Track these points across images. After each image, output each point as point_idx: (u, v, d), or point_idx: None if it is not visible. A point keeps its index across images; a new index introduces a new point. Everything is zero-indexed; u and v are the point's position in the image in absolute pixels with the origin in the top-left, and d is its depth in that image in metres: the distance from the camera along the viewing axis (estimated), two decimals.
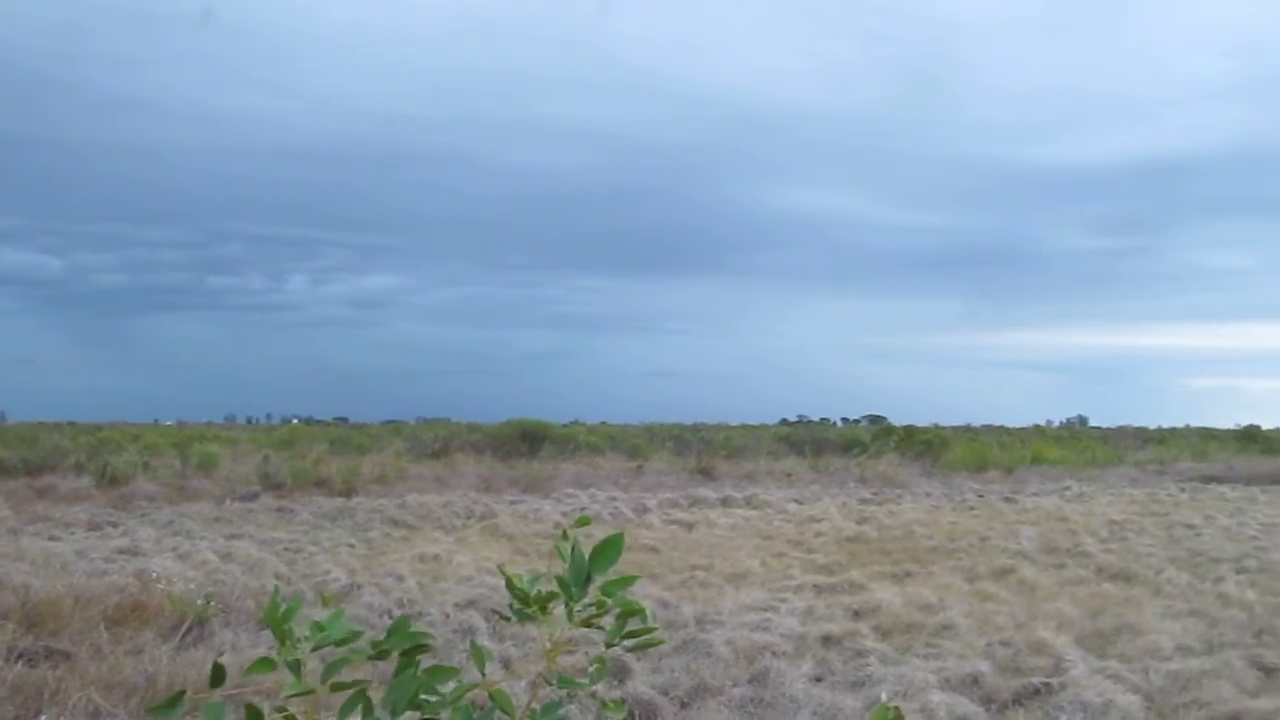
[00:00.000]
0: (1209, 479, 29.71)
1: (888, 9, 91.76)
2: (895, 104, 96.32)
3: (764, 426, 56.19)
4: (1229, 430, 51.18)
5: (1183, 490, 26.00)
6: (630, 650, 1.64)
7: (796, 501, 21.79)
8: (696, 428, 47.10)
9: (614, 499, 21.21)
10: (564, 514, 18.61)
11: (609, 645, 1.58)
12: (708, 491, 23.06)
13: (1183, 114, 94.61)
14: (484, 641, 8.65)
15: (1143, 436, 48.44)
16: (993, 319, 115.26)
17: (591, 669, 1.63)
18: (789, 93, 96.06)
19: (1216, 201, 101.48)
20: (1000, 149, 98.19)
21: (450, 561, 13.13)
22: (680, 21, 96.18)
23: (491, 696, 1.55)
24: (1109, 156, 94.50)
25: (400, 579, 11.66)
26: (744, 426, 54.95)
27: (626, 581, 1.59)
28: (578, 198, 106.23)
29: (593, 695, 1.48)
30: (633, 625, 1.60)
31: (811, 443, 36.31)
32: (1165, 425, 60.42)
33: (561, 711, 1.54)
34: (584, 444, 33.35)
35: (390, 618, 9.97)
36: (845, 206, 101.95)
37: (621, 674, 7.80)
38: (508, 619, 1.63)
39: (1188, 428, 58.13)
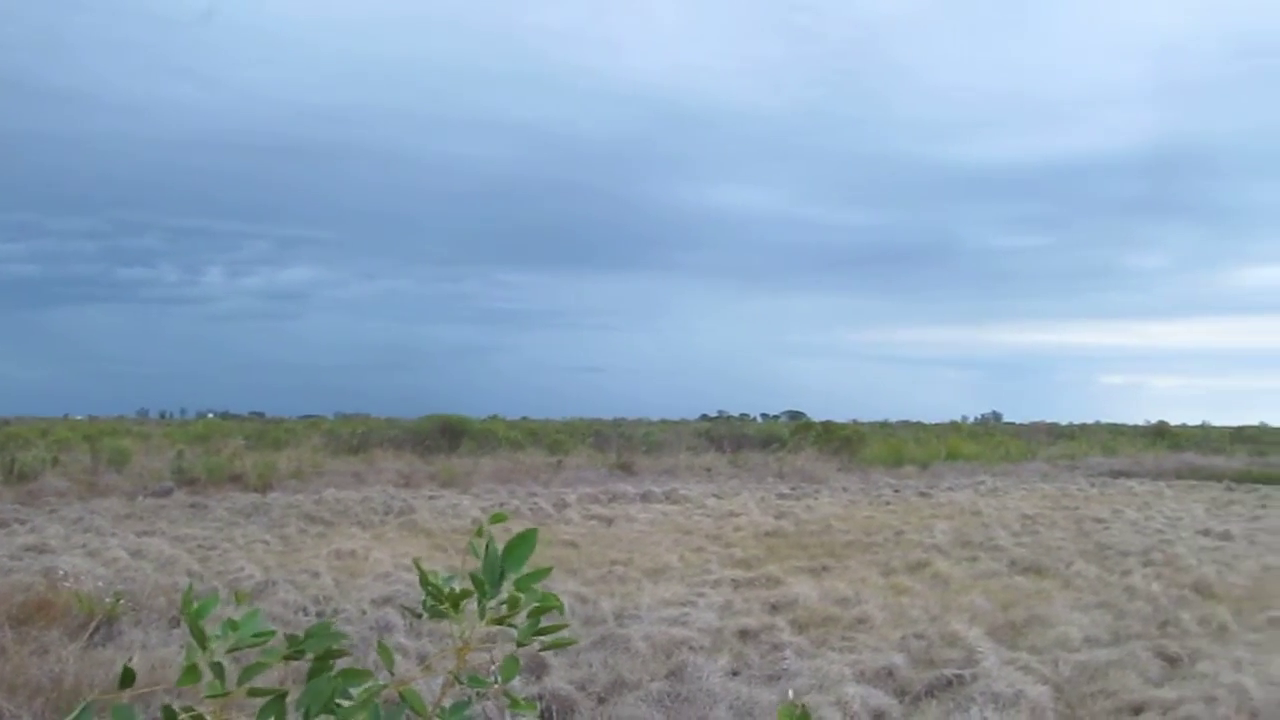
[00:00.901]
0: (1118, 474, 30.42)
1: (813, 6, 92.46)
2: (819, 102, 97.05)
3: (684, 422, 56.36)
4: (1138, 426, 52.48)
5: (1093, 485, 26.59)
6: (543, 649, 1.63)
7: (715, 496, 21.92)
8: (617, 423, 47.17)
9: (533, 494, 21.18)
10: (483, 509, 18.52)
11: (520, 644, 1.57)
12: (627, 486, 23.10)
13: (1098, 115, 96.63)
14: (400, 639, 8.58)
15: (1055, 432, 49.41)
16: (912, 316, 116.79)
17: (499, 666, 1.61)
18: (714, 90, 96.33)
19: (1129, 202, 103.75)
20: (922, 147, 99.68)
21: (367, 558, 13.01)
22: (605, 16, 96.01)
23: (401, 696, 1.53)
24: (1028, 156, 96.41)
25: (316, 575, 11.53)
26: (665, 422, 55.06)
27: (538, 575, 1.58)
28: (501, 192, 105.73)
29: (504, 693, 1.46)
30: (550, 621, 1.59)
31: (731, 438, 36.52)
32: (1077, 421, 61.68)
33: (469, 710, 1.52)
34: (504, 439, 33.22)
35: (305, 615, 9.88)
36: (769, 204, 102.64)
37: (539, 670, 7.78)
38: (419, 616, 1.62)
39: (1098, 424, 59.46)
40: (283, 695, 1.53)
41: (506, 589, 1.54)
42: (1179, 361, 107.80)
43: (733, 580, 11.73)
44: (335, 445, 32.36)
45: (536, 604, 1.54)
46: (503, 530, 1.62)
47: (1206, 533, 16.51)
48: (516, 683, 7.40)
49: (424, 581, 1.55)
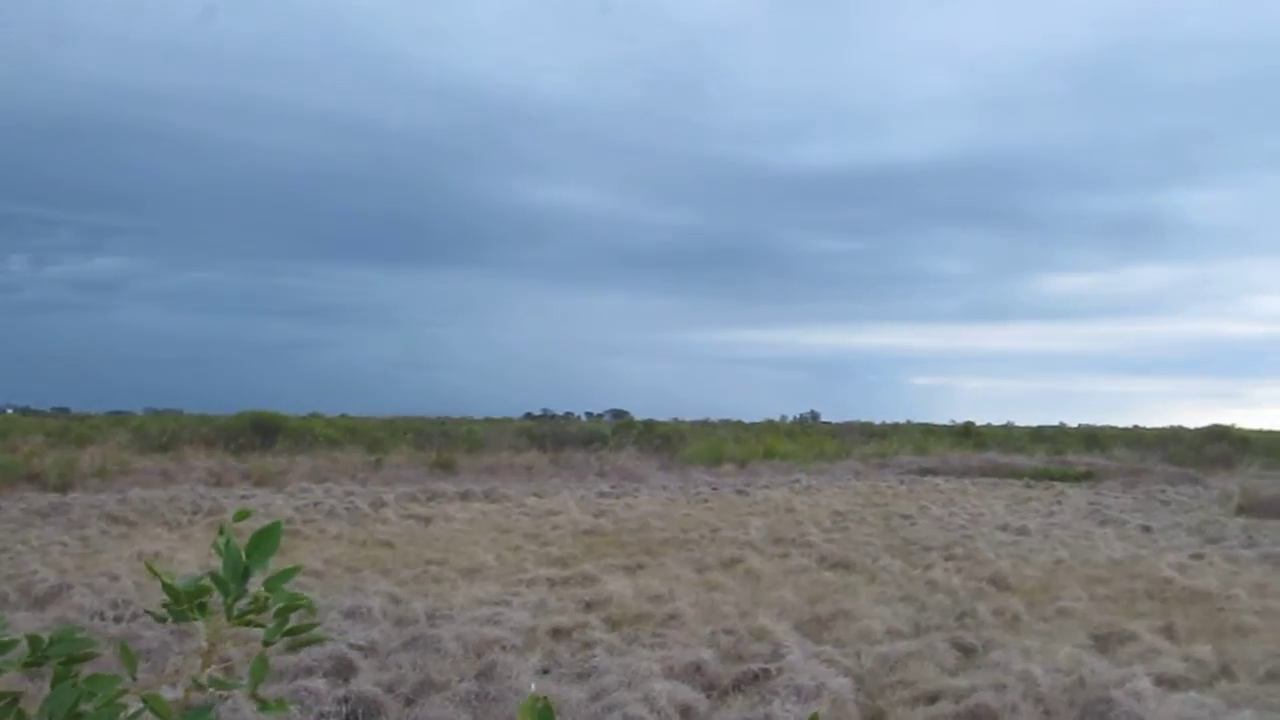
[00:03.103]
0: (926, 472, 31.49)
1: (636, 8, 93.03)
2: (642, 102, 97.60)
3: (508, 420, 56.04)
4: (946, 426, 54.35)
5: (902, 482, 27.46)
6: (293, 648, 1.59)
7: (536, 495, 21.87)
8: (440, 421, 46.64)
9: (350, 493, 20.78)
10: (297, 509, 18.10)
11: (267, 643, 1.53)
12: (447, 485, 22.90)
13: (911, 125, 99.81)
14: (204, 642, 8.29)
15: (868, 431, 50.74)
16: (734, 317, 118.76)
17: (251, 667, 1.56)
18: (537, 86, 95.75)
19: (938, 209, 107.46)
20: (743, 150, 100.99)
21: (172, 559, 12.61)
22: (430, 8, 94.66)
23: (145, 701, 1.47)
24: (844, 162, 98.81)
25: (115, 579, 11.10)
26: (488, 420, 54.64)
27: (288, 575, 1.54)
28: (323, 183, 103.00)
29: (253, 696, 1.41)
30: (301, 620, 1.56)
31: (553, 436, 36.50)
32: (889, 421, 63.39)
33: (212, 714, 1.47)
34: (321, 437, 32.49)
35: (102, 620, 9.51)
36: (592, 202, 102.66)
37: (346, 672, 7.66)
38: (162, 620, 1.56)
39: (909, 423, 61.25)
40: (16, 698, 1.46)
41: (255, 587, 1.50)
42: (985, 364, 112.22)
43: (548, 579, 11.73)
44: (143, 442, 31.10)
45: (283, 603, 1.50)
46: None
47: (1005, 528, 17.24)
48: (322, 685, 7.25)
49: (163, 584, 1.50)
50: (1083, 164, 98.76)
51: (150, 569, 1.54)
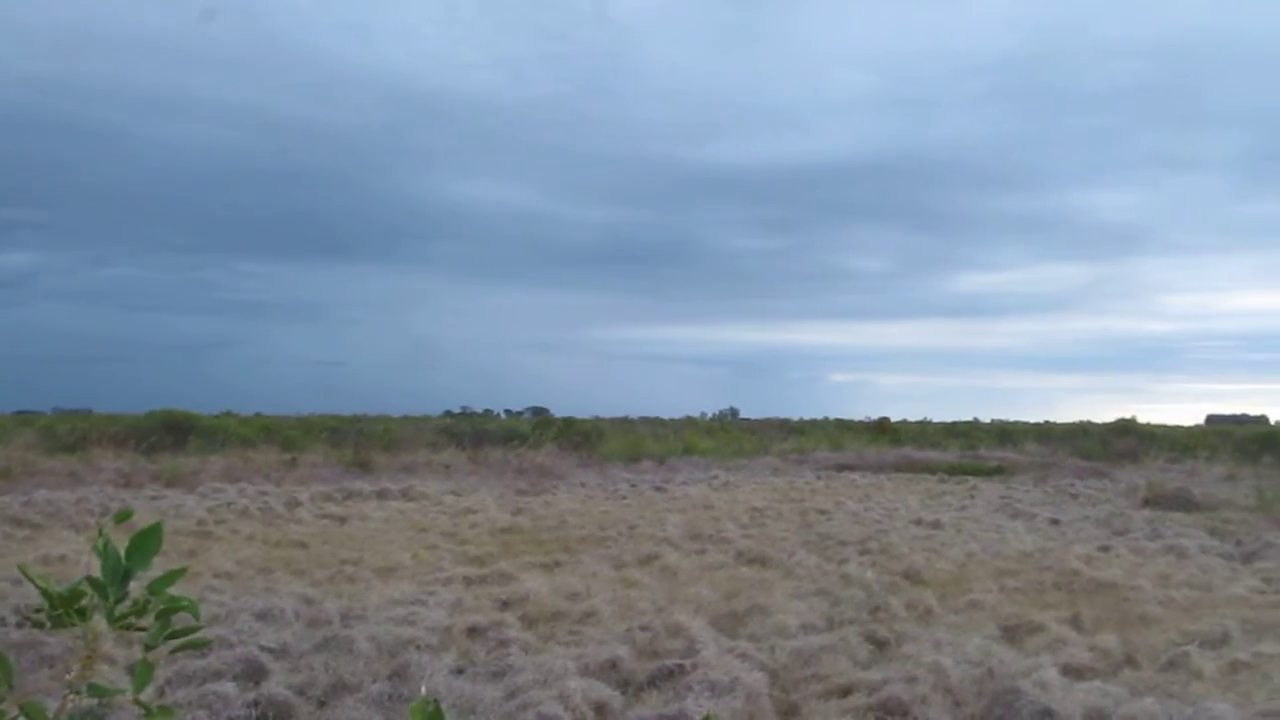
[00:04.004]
0: (843, 467, 31.77)
1: (560, 4, 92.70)
2: (564, 99, 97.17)
3: (427, 418, 55.54)
4: (862, 422, 54.92)
5: (819, 478, 27.72)
6: (176, 651, 1.56)
7: (454, 493, 21.72)
8: (357, 419, 46.15)
9: (264, 493, 20.46)
10: (209, 509, 17.79)
11: (149, 647, 1.49)
12: (363, 484, 22.63)
13: (830, 123, 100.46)
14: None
15: (787, 428, 51.06)
16: (655, 314, 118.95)
17: (135, 673, 1.53)
18: (459, 81, 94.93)
19: (857, 207, 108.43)
20: (664, 149, 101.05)
21: (78, 563, 12.31)
22: (356, 4, 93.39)
23: (21, 709, 1.43)
24: (763, 160, 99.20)
25: (19, 583, 10.80)
26: (406, 418, 54.08)
27: (172, 578, 1.50)
28: (241, 178, 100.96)
29: (136, 702, 1.38)
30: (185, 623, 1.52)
31: (472, 434, 36.28)
32: (807, 417, 63.83)
33: None
34: (235, 436, 31.97)
35: (3, 625, 9.28)
36: (515, 199, 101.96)
37: (257, 675, 7.55)
38: (41, 625, 1.52)
39: (827, 419, 61.75)
40: None
41: (138, 590, 1.46)
42: (900, 360, 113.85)
43: (465, 577, 11.66)
44: (50, 443, 30.33)
45: (164, 606, 1.46)
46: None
47: (919, 522, 17.48)
48: (232, 689, 7.14)
49: (39, 589, 1.45)
50: (999, 164, 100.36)
51: (24, 572, 1.50)
